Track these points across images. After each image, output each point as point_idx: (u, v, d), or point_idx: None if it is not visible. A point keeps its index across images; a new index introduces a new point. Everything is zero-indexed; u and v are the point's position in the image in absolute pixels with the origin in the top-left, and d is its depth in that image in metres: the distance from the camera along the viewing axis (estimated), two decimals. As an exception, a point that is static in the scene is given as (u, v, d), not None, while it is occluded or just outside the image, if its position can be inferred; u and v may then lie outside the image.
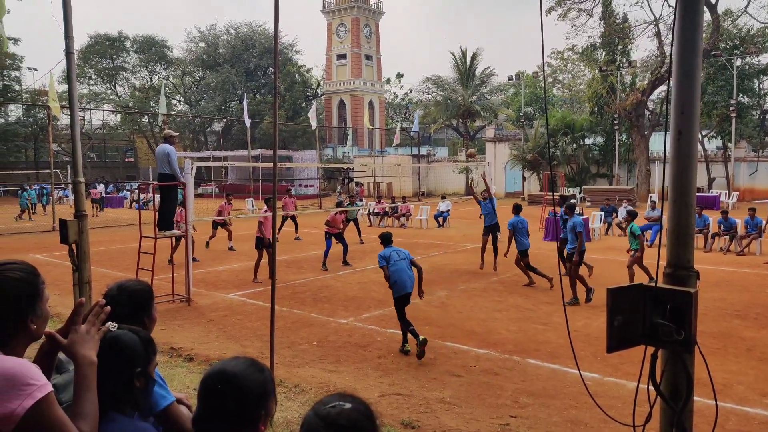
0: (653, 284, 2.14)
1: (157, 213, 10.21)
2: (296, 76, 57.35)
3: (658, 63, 32.99)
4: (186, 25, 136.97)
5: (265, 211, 11.88)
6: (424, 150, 50.58)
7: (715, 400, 2.29)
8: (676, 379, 2.13)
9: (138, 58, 57.94)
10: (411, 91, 68.93)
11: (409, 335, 7.02)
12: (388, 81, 69.25)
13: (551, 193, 13.31)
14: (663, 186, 2.24)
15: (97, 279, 7.01)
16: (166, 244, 12.88)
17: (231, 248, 16.26)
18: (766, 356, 6.81)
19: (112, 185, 45.84)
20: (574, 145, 37.06)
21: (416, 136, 46.72)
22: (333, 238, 13.20)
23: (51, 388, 1.61)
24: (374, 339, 7.68)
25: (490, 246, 12.55)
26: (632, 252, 10.41)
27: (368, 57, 59.20)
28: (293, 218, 18.62)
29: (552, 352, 7.00)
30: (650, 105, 37.01)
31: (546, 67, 51.56)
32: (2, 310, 1.66)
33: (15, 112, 51.62)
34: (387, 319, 8.62)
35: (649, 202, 20.00)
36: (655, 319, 2.12)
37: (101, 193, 34.40)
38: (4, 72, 48.25)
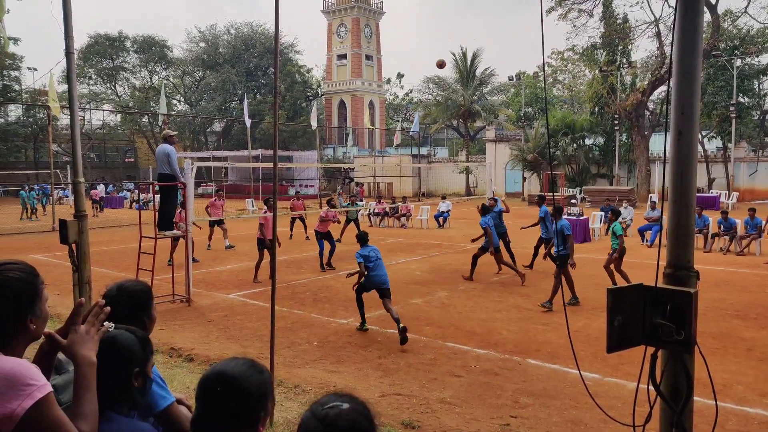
0: (653, 284, 2.14)
1: (157, 213, 10.22)
2: (296, 76, 57.34)
3: (658, 63, 32.97)
4: (186, 25, 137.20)
5: (265, 212, 11.83)
6: (424, 150, 50.60)
7: (715, 401, 2.29)
8: (676, 380, 2.13)
9: (138, 58, 57.92)
10: (411, 92, 68.96)
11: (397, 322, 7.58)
12: (389, 81, 69.29)
13: (552, 194, 13.29)
14: (663, 186, 2.24)
15: (97, 279, 7.01)
16: (167, 245, 12.88)
17: (228, 246, 16.30)
18: (765, 356, 6.81)
19: (111, 185, 45.84)
20: (575, 145, 37.05)
21: (416, 137, 46.71)
22: (324, 240, 12.94)
23: (50, 389, 1.61)
24: (374, 339, 7.68)
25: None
26: (611, 252, 10.21)
27: (368, 57, 59.22)
28: (302, 219, 18.62)
29: (552, 352, 7.00)
30: (650, 105, 36.99)
31: (546, 68, 51.57)
32: (2, 310, 1.66)
33: (15, 112, 51.61)
34: (387, 320, 8.61)
35: (649, 203, 20.00)
36: (655, 319, 2.12)
37: (101, 193, 34.46)
38: (4, 72, 48.22)
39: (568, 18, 34.06)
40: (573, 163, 37.35)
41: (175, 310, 9.41)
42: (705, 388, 2.80)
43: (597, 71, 36.78)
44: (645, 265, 12.60)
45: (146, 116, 54.68)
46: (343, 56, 58.38)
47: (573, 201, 20.28)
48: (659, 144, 34.38)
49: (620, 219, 18.69)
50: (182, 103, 63.42)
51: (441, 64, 16.64)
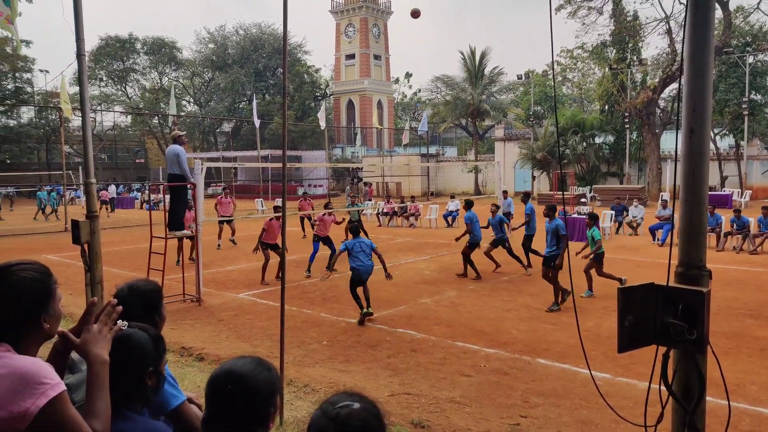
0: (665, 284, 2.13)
1: (167, 213, 10.27)
2: (305, 76, 57.46)
3: (669, 61, 32.72)
4: (187, 25, 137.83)
5: (271, 219, 11.63)
6: (433, 149, 50.53)
7: (728, 401, 2.27)
8: (688, 379, 2.12)
9: (148, 59, 58.31)
10: (420, 91, 68.94)
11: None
12: (397, 81, 69.31)
13: (561, 193, 13.20)
14: (674, 184, 2.22)
15: (109, 279, 7.07)
16: (176, 245, 12.95)
17: (232, 241, 16.90)
18: (779, 356, 6.74)
19: (122, 186, 46.17)
20: (584, 143, 36.86)
21: (425, 136, 46.68)
22: (321, 242, 12.53)
23: (64, 387, 1.62)
24: (384, 339, 7.68)
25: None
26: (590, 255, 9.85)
27: (377, 57, 59.22)
28: (310, 218, 18.65)
29: (562, 351, 6.97)
30: (661, 103, 36.71)
31: (555, 66, 51.36)
32: (16, 309, 1.68)
33: (27, 113, 52.08)
34: (396, 319, 8.62)
35: (660, 201, 19.86)
36: (666, 318, 2.10)
37: (111, 194, 34.74)
38: (17, 74, 48.66)
39: (578, 16, 33.85)
40: (583, 161, 37.16)
41: (186, 310, 9.46)
42: (718, 388, 2.77)
43: (607, 69, 36.55)
44: (656, 264, 12.53)
45: (156, 117, 55.03)
46: (351, 56, 58.41)
47: (583, 200, 20.22)
48: (670, 142, 34.12)
49: (629, 218, 18.78)
50: (192, 104, 63.78)
51: (415, 13, 15.33)
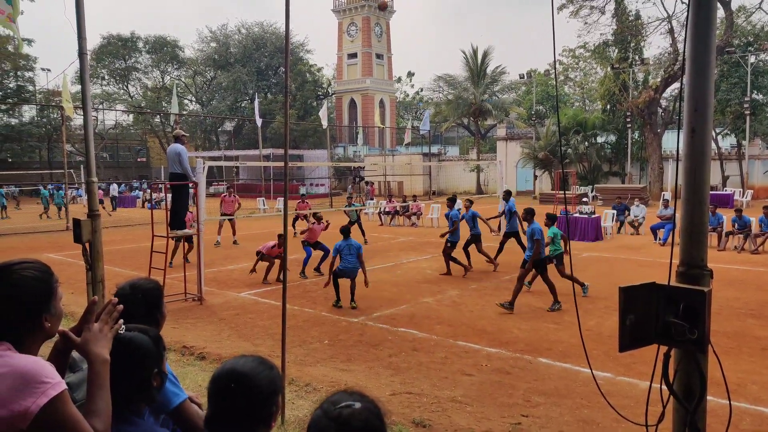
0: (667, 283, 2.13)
1: (169, 212, 10.28)
2: (307, 75, 57.46)
3: (671, 60, 32.68)
4: (186, 24, 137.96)
5: (313, 223, 12.37)
6: (435, 149, 50.51)
7: (729, 400, 2.27)
8: (689, 379, 2.11)
9: (150, 58, 58.37)
10: (422, 90, 68.89)
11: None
12: (399, 80, 69.26)
13: (563, 192, 13.17)
14: (676, 184, 2.22)
15: (111, 278, 7.07)
16: (173, 247, 12.94)
17: (235, 242, 16.89)
18: (781, 356, 6.73)
19: (123, 185, 46.23)
20: (586, 143, 36.83)
21: (427, 135, 46.68)
22: (311, 247, 12.30)
23: (65, 386, 1.63)
24: (385, 338, 7.68)
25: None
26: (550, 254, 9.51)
27: (379, 56, 59.18)
28: (306, 218, 18.68)
29: (564, 351, 6.97)
30: (663, 102, 36.67)
31: (557, 65, 51.29)
32: (17, 308, 1.68)
33: (29, 112, 52.20)
34: (398, 318, 8.63)
35: (662, 201, 19.86)
36: (668, 318, 2.10)
37: (113, 192, 34.78)
38: (19, 73, 48.75)
39: (580, 15, 33.87)
40: (585, 161, 37.14)
41: (187, 309, 9.47)
42: (719, 388, 2.77)
43: (609, 68, 36.52)
44: (658, 264, 12.52)
45: (158, 116, 55.07)
46: (353, 55, 58.37)
47: (585, 199, 20.22)
48: (672, 141, 34.09)
49: (631, 218, 18.75)
50: (194, 103, 63.83)
51: (383, 5, 15.30)
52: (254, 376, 1.70)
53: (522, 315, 8.74)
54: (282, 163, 5.20)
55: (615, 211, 19.24)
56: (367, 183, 33.96)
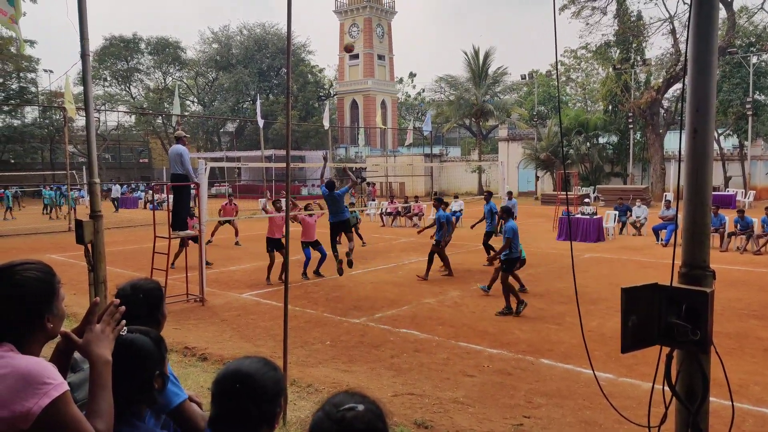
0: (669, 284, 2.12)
1: (171, 213, 10.29)
2: (309, 76, 57.55)
3: (672, 61, 32.66)
4: (195, 27, 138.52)
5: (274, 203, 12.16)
6: (436, 149, 50.51)
7: (732, 401, 2.26)
8: (691, 380, 2.11)
9: (152, 59, 58.48)
10: (423, 91, 68.90)
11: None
12: (401, 81, 69.25)
13: (565, 193, 13.19)
14: (678, 185, 2.22)
15: (113, 279, 7.05)
16: (175, 246, 12.95)
17: (237, 243, 17.14)
18: (783, 357, 6.72)
19: (125, 186, 46.31)
20: (588, 144, 36.82)
21: (428, 136, 46.71)
22: (310, 247, 11.96)
23: (67, 387, 1.63)
24: (387, 339, 7.68)
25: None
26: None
27: (380, 57, 59.21)
28: (295, 219, 18.77)
29: (565, 352, 6.96)
30: (665, 103, 36.66)
31: (559, 66, 51.29)
32: (20, 309, 1.68)
33: (31, 113, 52.29)
34: (400, 319, 8.62)
35: (664, 201, 19.83)
36: (670, 319, 2.09)
37: (115, 194, 34.83)
38: (21, 74, 48.82)
39: (582, 16, 33.88)
40: (586, 161, 37.12)
41: (189, 310, 9.48)
42: (721, 389, 2.76)
43: (611, 69, 36.52)
44: (660, 265, 12.50)
45: (160, 117, 55.13)
46: (355, 56, 58.38)
47: (587, 200, 20.19)
48: (674, 142, 34.06)
49: (633, 218, 18.72)
50: (195, 104, 63.90)
51: (348, 48, 15.08)
52: (259, 377, 1.70)
53: (523, 316, 8.73)
54: (284, 164, 5.20)
55: (617, 212, 19.22)
56: (369, 184, 33.95)
